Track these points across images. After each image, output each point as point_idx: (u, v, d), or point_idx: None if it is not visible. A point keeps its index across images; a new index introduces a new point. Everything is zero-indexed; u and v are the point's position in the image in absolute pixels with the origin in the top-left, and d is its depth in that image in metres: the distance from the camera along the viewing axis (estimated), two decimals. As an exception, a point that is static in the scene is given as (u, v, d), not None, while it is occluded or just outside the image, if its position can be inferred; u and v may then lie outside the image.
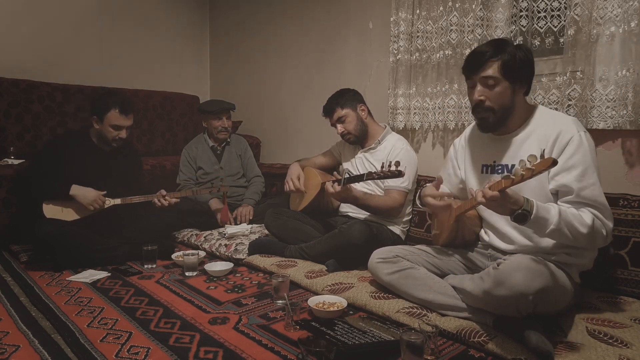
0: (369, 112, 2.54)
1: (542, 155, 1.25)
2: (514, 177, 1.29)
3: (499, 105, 1.61)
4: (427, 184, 1.85)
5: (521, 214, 1.40)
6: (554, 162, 1.21)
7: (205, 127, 3.18)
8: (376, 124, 2.56)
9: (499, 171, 1.70)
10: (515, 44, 1.63)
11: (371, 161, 2.48)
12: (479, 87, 1.62)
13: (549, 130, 1.58)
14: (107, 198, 2.44)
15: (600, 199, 1.50)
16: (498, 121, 1.65)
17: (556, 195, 1.56)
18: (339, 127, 2.48)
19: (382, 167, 2.00)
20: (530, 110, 1.68)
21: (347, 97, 2.48)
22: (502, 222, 1.70)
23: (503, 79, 1.58)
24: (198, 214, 2.97)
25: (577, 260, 1.60)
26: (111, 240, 2.42)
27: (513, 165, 1.65)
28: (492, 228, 1.77)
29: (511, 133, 1.68)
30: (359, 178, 2.12)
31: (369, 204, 2.28)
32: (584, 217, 1.46)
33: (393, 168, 1.96)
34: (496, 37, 2.23)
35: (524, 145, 1.63)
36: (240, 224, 2.86)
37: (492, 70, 1.58)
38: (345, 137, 2.51)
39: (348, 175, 2.16)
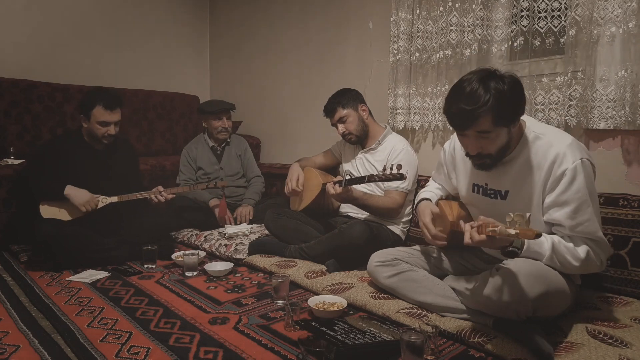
0: (370, 113, 2.54)
1: (527, 222, 1.22)
2: (499, 233, 1.27)
3: (497, 149, 1.49)
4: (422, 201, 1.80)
5: (511, 251, 1.37)
6: (538, 236, 1.20)
7: (205, 127, 3.18)
8: (377, 124, 2.55)
9: (491, 195, 1.63)
10: (498, 74, 1.42)
11: (371, 162, 2.48)
12: (473, 141, 1.48)
13: (543, 155, 1.49)
14: (103, 196, 2.44)
15: (596, 234, 1.45)
16: (496, 161, 1.54)
17: (551, 224, 1.52)
18: (340, 127, 2.48)
19: (384, 169, 2.00)
20: (522, 129, 1.55)
21: (349, 97, 2.48)
22: None
23: (498, 128, 1.43)
24: (195, 210, 2.96)
25: None
26: (110, 240, 2.42)
27: (507, 192, 1.59)
28: None
29: (504, 158, 1.56)
30: (360, 180, 2.11)
31: (368, 204, 2.28)
32: (579, 251, 1.44)
33: (395, 171, 1.95)
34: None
35: (519, 174, 1.54)
36: (240, 224, 2.87)
37: (485, 125, 1.42)
38: (347, 138, 2.51)
39: (349, 177, 2.16)
